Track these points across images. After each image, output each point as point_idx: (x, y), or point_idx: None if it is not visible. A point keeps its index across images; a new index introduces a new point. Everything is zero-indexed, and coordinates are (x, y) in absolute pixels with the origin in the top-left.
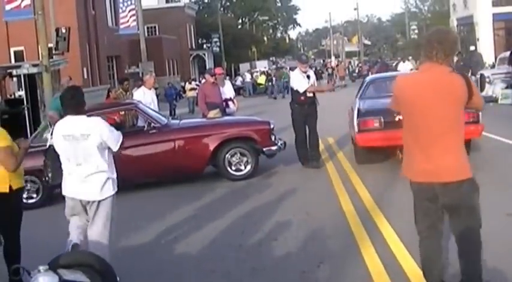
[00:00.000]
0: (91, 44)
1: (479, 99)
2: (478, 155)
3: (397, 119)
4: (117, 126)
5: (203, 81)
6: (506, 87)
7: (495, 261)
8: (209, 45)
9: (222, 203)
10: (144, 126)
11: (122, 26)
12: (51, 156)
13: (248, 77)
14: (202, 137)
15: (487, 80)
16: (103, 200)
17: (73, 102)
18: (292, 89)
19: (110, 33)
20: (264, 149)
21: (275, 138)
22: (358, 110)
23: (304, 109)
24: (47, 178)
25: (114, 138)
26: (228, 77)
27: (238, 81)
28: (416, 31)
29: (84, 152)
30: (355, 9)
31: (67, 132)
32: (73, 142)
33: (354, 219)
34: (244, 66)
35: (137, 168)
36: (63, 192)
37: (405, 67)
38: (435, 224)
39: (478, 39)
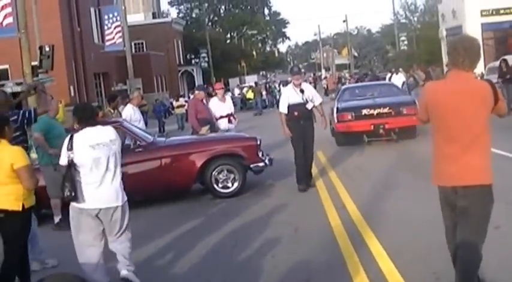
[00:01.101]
0: (77, 61)
1: (504, 105)
2: None
3: (362, 113)
4: None
5: (191, 96)
6: None
7: (484, 274)
8: (197, 60)
9: (209, 220)
10: (130, 145)
11: (107, 43)
12: (72, 171)
13: (237, 92)
14: (189, 155)
15: None
16: (120, 205)
17: (89, 114)
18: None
19: (97, 50)
20: (251, 166)
21: (262, 154)
22: (337, 108)
23: (300, 125)
24: (67, 194)
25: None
26: (229, 93)
27: (229, 96)
28: (405, 42)
29: (113, 157)
30: (344, 21)
31: (95, 141)
32: (104, 149)
33: (342, 235)
34: (233, 81)
35: (124, 187)
36: (82, 206)
37: (398, 79)
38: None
39: None
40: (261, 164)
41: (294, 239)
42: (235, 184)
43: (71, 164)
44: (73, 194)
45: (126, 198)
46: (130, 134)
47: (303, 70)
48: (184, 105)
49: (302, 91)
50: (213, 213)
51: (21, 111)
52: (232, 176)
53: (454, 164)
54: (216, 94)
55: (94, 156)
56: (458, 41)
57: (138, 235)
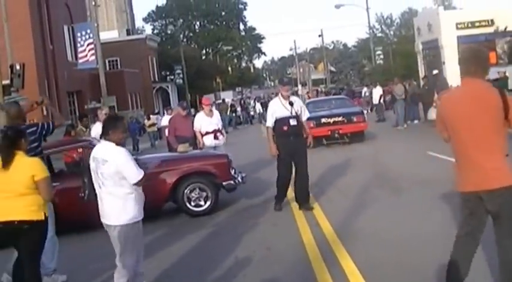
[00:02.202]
0: (50, 80)
1: None
2: (441, 180)
3: (322, 121)
4: (76, 163)
5: (165, 114)
6: None
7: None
8: (172, 77)
9: (181, 239)
10: None
11: (80, 61)
12: (88, 175)
13: (213, 109)
14: (160, 173)
15: None
16: (116, 226)
17: (109, 128)
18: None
19: (70, 68)
20: (224, 183)
21: (235, 172)
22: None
23: (289, 142)
24: (83, 195)
25: (130, 172)
26: (193, 110)
27: None
28: (381, 56)
29: (102, 176)
30: (320, 35)
31: (95, 154)
32: (97, 165)
33: (315, 253)
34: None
35: (95, 207)
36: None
37: (376, 93)
38: (474, 233)
39: (444, 63)
40: (234, 182)
41: (266, 257)
42: (208, 202)
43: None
44: (84, 195)
45: (117, 223)
46: None
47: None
48: (156, 124)
49: (291, 104)
50: (184, 232)
51: (40, 124)
52: (204, 194)
53: (475, 169)
54: (202, 109)
55: (92, 168)
56: (469, 51)
57: (107, 254)
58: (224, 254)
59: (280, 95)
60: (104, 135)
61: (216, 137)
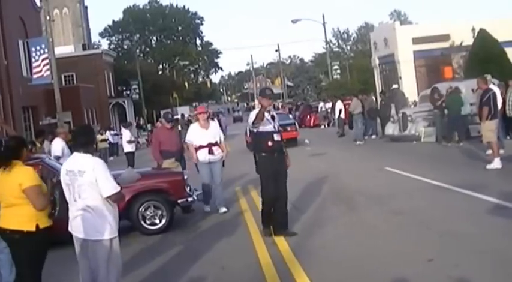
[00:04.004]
0: (4, 95)
1: None
2: (399, 196)
3: (254, 131)
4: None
5: (123, 130)
6: (429, 125)
7: None
8: (129, 92)
9: (134, 258)
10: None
11: (35, 76)
12: (60, 190)
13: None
14: None
15: (409, 118)
16: (94, 241)
17: (82, 140)
18: (253, 133)
19: (25, 83)
20: (179, 201)
21: (190, 189)
22: (249, 129)
23: (274, 158)
24: (53, 211)
25: (106, 184)
26: (145, 125)
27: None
28: (338, 71)
29: (78, 188)
30: (276, 50)
31: (69, 167)
32: (72, 178)
33: (271, 272)
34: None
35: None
36: (69, 228)
37: (337, 107)
38: None
39: (400, 78)
40: (189, 200)
41: (220, 277)
42: (163, 220)
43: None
44: (54, 212)
45: (96, 237)
46: (53, 171)
47: (235, 100)
48: (107, 140)
49: (273, 118)
50: (138, 251)
51: None
52: (159, 212)
53: None
54: (197, 119)
55: (65, 181)
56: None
57: (57, 274)
58: (178, 274)
59: (261, 107)
60: (77, 147)
61: (211, 152)
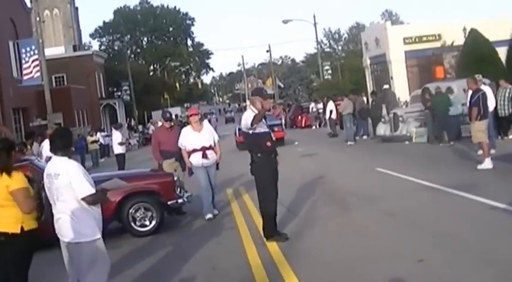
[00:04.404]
0: None
1: None
2: (390, 197)
3: (250, 133)
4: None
5: (113, 131)
6: (420, 126)
7: None
8: (119, 93)
9: (125, 260)
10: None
11: (25, 77)
12: (45, 194)
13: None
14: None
15: (400, 119)
16: (76, 243)
17: (59, 143)
18: (249, 134)
19: (16, 84)
20: (169, 203)
21: (180, 191)
22: (238, 129)
23: (272, 160)
24: (40, 214)
25: (80, 185)
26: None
27: (150, 129)
28: (329, 71)
29: (56, 191)
30: (267, 51)
31: (48, 170)
32: (50, 180)
33: (261, 274)
34: (156, 114)
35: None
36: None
37: (328, 108)
38: None
39: (391, 78)
40: (179, 201)
41: (210, 278)
42: (153, 222)
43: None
44: (40, 215)
45: (77, 240)
46: (42, 173)
47: (227, 101)
48: (98, 141)
49: (265, 118)
50: (129, 253)
51: None
52: (149, 213)
53: None
54: (190, 122)
55: (47, 185)
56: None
57: (47, 276)
58: (168, 275)
59: (252, 109)
60: (55, 150)
61: (204, 156)
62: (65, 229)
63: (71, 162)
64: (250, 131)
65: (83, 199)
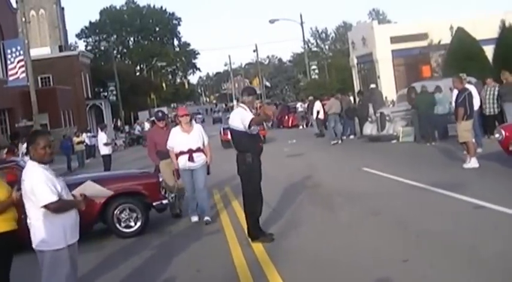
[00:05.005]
0: None
1: None
2: (376, 196)
3: (247, 133)
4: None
5: (99, 132)
6: (407, 125)
7: None
8: (106, 94)
9: (109, 262)
10: None
11: (10, 78)
12: None
13: (147, 126)
14: None
15: (387, 118)
16: (38, 250)
17: (30, 145)
18: (245, 134)
19: (1, 85)
20: (154, 204)
21: (165, 192)
22: (223, 128)
23: (259, 160)
24: (23, 216)
25: (39, 193)
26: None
27: (137, 130)
28: (316, 71)
29: (24, 195)
30: (254, 51)
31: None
32: (21, 184)
33: (246, 274)
34: (143, 115)
35: (22, 230)
36: None
37: (315, 107)
38: None
39: (378, 77)
40: (164, 202)
41: (196, 279)
42: (138, 223)
43: None
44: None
45: (38, 248)
46: None
47: (214, 101)
48: (83, 142)
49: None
50: (113, 254)
51: None
52: (134, 214)
53: None
54: (179, 122)
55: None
56: None
57: (31, 278)
58: (153, 276)
59: (242, 106)
60: (28, 153)
61: (191, 159)
62: (31, 235)
63: (34, 168)
64: (248, 131)
65: (44, 207)
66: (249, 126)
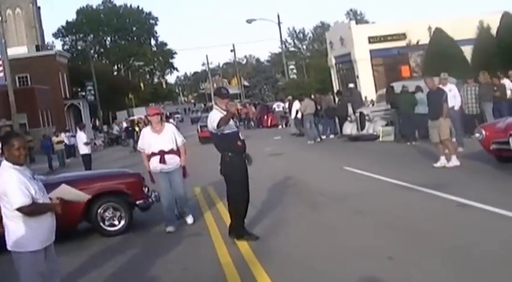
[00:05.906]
0: None
1: None
2: (358, 196)
3: (218, 133)
4: None
5: (78, 132)
6: (387, 125)
7: None
8: (84, 93)
9: (94, 260)
10: None
11: None
12: None
13: (125, 126)
14: None
15: (367, 117)
16: (14, 252)
17: (3, 146)
18: (217, 135)
19: None
20: (137, 202)
21: (148, 191)
22: (200, 126)
23: (242, 159)
24: None
25: (11, 195)
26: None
27: (115, 129)
28: (294, 70)
29: (0, 197)
30: (232, 50)
31: None
32: None
33: (232, 272)
34: (121, 114)
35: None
36: None
37: (294, 107)
38: None
39: (357, 77)
40: (148, 201)
41: (181, 278)
42: (122, 222)
43: None
44: None
45: (12, 249)
46: None
47: (192, 101)
48: (63, 141)
49: (232, 118)
50: (98, 253)
51: None
52: (118, 213)
53: None
54: (150, 122)
55: None
56: None
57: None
58: (139, 275)
59: (220, 108)
60: (2, 154)
61: (162, 160)
62: (5, 235)
63: (8, 170)
64: (219, 132)
65: (17, 210)
66: (218, 127)
